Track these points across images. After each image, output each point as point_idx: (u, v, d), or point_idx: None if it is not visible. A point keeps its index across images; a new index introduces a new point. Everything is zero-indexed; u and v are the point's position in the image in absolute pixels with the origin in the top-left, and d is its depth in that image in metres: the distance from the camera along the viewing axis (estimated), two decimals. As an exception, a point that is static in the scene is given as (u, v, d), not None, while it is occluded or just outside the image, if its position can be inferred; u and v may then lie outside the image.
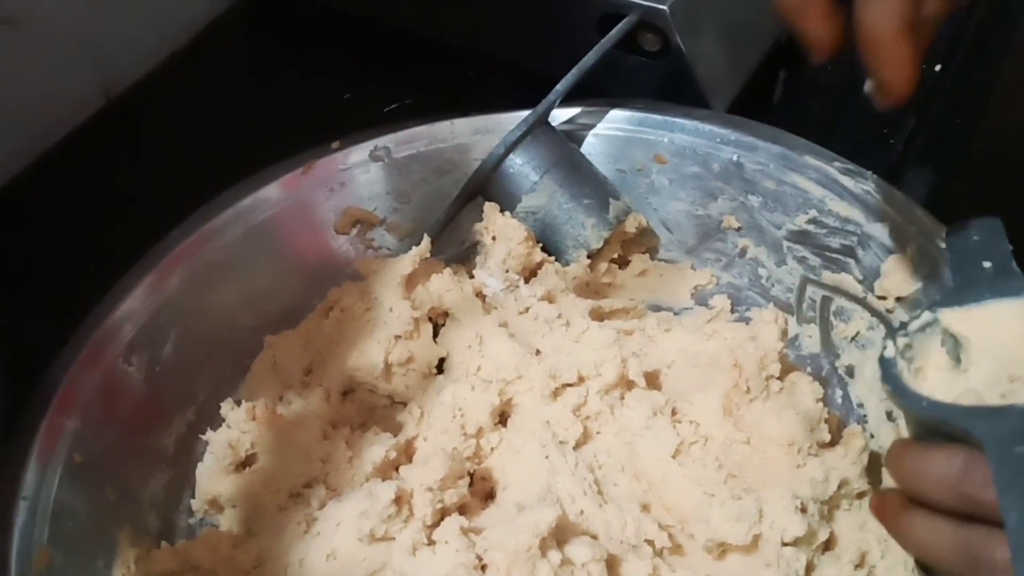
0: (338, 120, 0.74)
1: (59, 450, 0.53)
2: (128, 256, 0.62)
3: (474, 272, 0.66)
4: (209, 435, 0.56)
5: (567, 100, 0.67)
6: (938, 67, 0.81)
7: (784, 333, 0.59)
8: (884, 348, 0.44)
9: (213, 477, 0.55)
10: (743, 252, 0.67)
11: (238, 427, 0.55)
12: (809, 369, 0.63)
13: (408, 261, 0.63)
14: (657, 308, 0.67)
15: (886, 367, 0.43)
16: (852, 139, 0.73)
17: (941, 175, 0.76)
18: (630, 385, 0.58)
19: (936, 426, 0.39)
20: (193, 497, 0.57)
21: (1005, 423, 0.36)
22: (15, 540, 0.49)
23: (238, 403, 0.57)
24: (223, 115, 0.83)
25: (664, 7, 0.68)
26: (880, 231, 0.59)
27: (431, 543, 0.49)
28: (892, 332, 0.45)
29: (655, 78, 0.75)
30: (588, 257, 0.65)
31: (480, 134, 0.69)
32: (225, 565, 0.51)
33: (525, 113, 0.65)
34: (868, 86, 0.43)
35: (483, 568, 0.47)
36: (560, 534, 0.49)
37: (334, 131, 0.69)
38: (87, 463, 0.54)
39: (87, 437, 0.54)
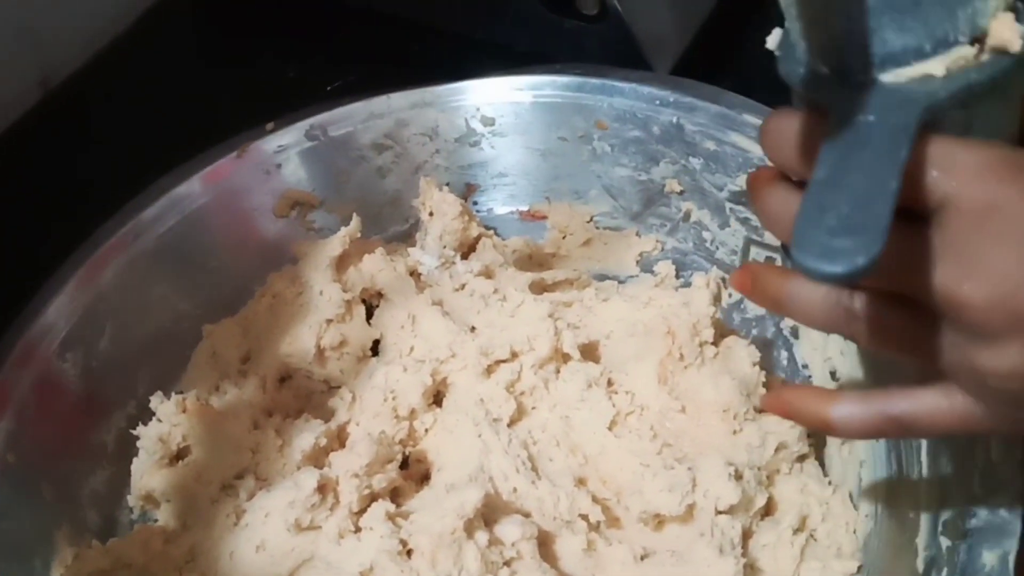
0: (282, 99, 0.73)
1: (-9, 452, 0.53)
2: (70, 250, 0.61)
3: (409, 250, 0.65)
4: (140, 430, 0.55)
5: (501, 69, 0.65)
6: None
7: (717, 297, 0.57)
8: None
9: (146, 472, 0.54)
10: (687, 216, 0.65)
11: (168, 420, 0.54)
12: (755, 332, 0.62)
13: (337, 242, 0.62)
14: (603, 277, 0.66)
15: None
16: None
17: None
18: (565, 358, 0.57)
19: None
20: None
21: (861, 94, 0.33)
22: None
23: (168, 396, 0.56)
24: (167, 100, 0.81)
25: (598, -33, 0.67)
26: (819, 186, 0.58)
27: (358, 530, 0.48)
28: None
29: (595, 42, 0.73)
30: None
31: (418, 108, 0.67)
32: (157, 561, 0.50)
33: (464, 83, 0.64)
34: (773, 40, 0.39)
35: (409, 553, 0.47)
36: (490, 514, 0.48)
37: (278, 111, 0.68)
38: (22, 463, 0.53)
39: (21, 437, 0.53)
